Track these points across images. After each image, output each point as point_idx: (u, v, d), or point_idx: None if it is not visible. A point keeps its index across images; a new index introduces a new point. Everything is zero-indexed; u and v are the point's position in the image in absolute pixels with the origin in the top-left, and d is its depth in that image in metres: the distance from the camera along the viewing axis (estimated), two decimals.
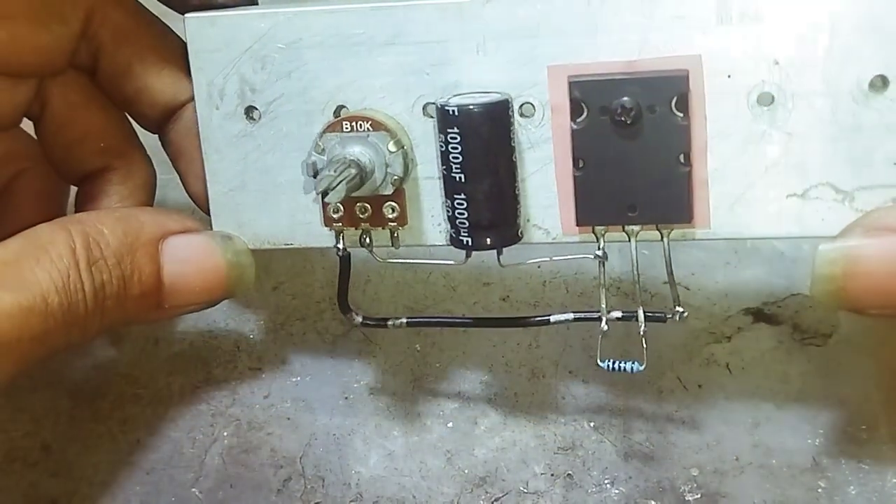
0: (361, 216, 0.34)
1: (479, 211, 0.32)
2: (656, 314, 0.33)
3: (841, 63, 0.30)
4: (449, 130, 0.31)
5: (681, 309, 0.33)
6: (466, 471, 0.41)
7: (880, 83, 0.30)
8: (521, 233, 0.33)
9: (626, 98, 0.30)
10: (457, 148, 0.31)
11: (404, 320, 0.37)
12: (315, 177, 0.32)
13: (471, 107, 0.31)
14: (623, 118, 0.30)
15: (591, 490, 0.40)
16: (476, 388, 0.42)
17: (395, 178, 0.32)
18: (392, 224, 0.34)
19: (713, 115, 0.31)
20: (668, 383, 0.41)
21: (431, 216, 0.34)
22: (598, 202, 0.32)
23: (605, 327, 0.34)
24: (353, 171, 0.31)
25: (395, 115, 0.33)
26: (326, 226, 0.34)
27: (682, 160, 0.31)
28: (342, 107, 0.34)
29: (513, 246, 0.33)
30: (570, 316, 0.35)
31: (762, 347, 0.41)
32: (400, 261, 0.35)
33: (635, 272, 0.33)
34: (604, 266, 0.33)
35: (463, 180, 0.31)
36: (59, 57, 0.35)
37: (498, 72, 0.32)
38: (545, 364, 0.42)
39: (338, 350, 0.44)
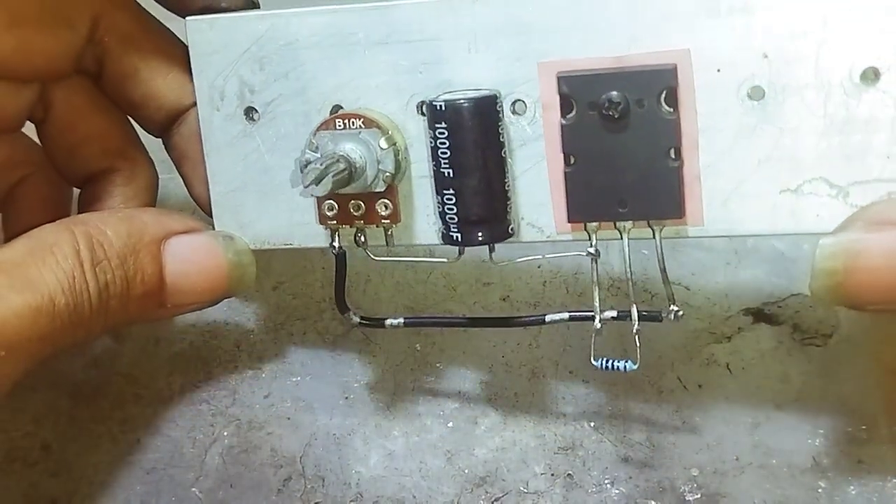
0: (355, 213, 0.34)
1: (468, 206, 0.32)
2: (651, 313, 0.33)
3: (832, 55, 0.30)
4: (437, 125, 0.31)
5: (676, 308, 0.33)
6: (466, 471, 0.41)
7: (872, 75, 0.29)
8: (513, 229, 0.33)
9: (613, 92, 0.30)
10: (444, 143, 0.31)
11: (402, 320, 0.37)
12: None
13: (458, 101, 0.31)
14: (611, 112, 0.30)
15: (591, 490, 0.40)
16: (476, 388, 0.42)
17: (387, 174, 0.32)
18: (385, 221, 0.34)
19: (703, 110, 0.31)
20: (669, 383, 0.41)
21: (426, 215, 0.34)
22: (588, 198, 0.32)
23: (599, 325, 0.34)
24: (342, 165, 0.31)
25: (390, 114, 0.33)
26: (321, 223, 0.34)
27: (671, 155, 0.31)
28: (339, 106, 0.34)
29: (506, 243, 0.33)
30: (566, 315, 0.35)
31: (762, 347, 0.41)
32: (393, 259, 0.35)
33: (628, 269, 0.33)
34: (596, 263, 0.33)
35: (451, 175, 0.31)
36: (66, 62, 0.36)
37: (490, 69, 0.32)
38: (545, 364, 0.42)
39: (338, 350, 0.44)
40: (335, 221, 0.34)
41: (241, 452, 0.42)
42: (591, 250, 0.33)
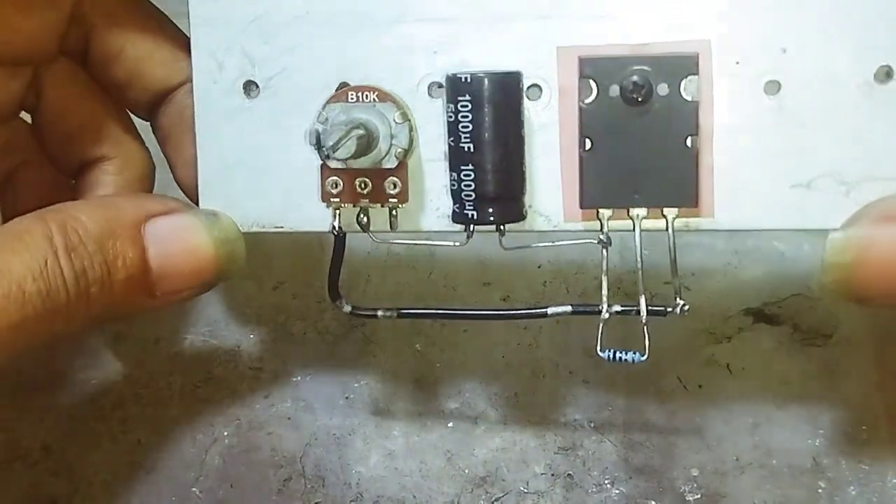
0: (361, 191, 0.33)
1: (487, 182, 0.31)
2: (657, 307, 0.33)
3: (847, 53, 0.30)
4: (460, 98, 0.31)
5: (682, 301, 0.32)
6: (467, 471, 0.41)
7: (884, 74, 0.30)
8: (526, 212, 0.33)
9: (636, 76, 0.30)
10: (467, 116, 0.31)
11: (395, 312, 0.35)
12: (317, 144, 0.31)
13: (484, 74, 0.30)
14: (635, 95, 0.30)
15: (591, 490, 0.40)
16: (476, 388, 0.42)
17: (400, 150, 0.32)
18: (392, 201, 0.33)
19: (720, 101, 0.31)
20: (669, 384, 0.41)
21: (430, 200, 0.33)
22: (603, 183, 0.31)
23: (607, 315, 0.33)
24: (362, 131, 0.31)
25: (399, 95, 0.32)
26: (323, 201, 0.33)
27: (689, 143, 0.31)
28: (345, 83, 0.33)
29: (511, 233, 0.32)
30: (568, 308, 0.34)
31: (762, 348, 0.41)
32: (398, 242, 0.34)
33: (639, 258, 0.32)
34: (607, 251, 0.32)
35: (471, 150, 0.31)
36: (50, 42, 0.35)
37: (506, 53, 0.32)
38: (545, 364, 0.42)
39: (338, 350, 0.44)
40: (339, 199, 0.33)
41: (241, 452, 0.42)
42: (603, 237, 0.32)
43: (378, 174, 0.32)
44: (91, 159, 0.37)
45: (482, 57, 0.32)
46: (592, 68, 0.31)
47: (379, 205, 0.33)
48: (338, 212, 0.33)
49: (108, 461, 0.43)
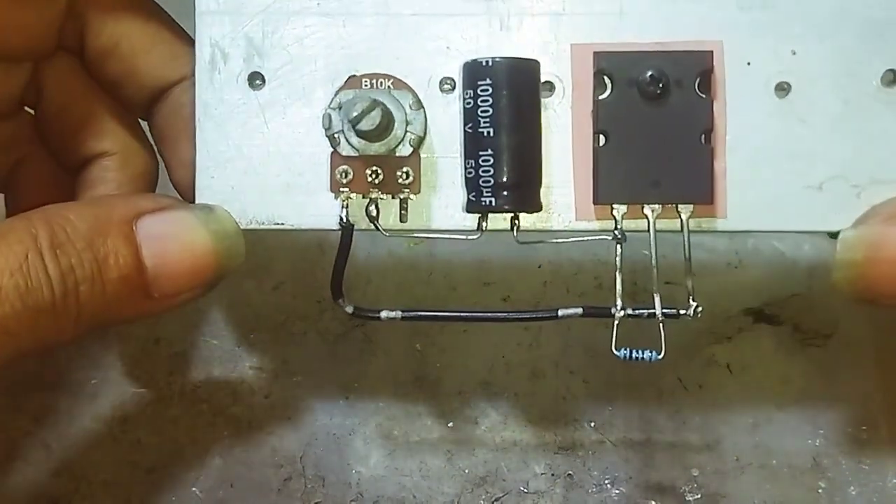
0: (372, 181, 0.32)
1: (505, 168, 0.31)
2: (670, 309, 0.33)
3: (856, 56, 0.30)
4: (480, 83, 0.30)
5: (695, 303, 0.32)
6: (467, 471, 0.41)
7: (892, 77, 0.30)
8: (542, 205, 0.32)
9: (653, 70, 0.30)
10: (487, 101, 0.30)
11: (399, 313, 0.34)
12: (330, 128, 0.31)
13: (505, 59, 0.30)
14: (653, 88, 0.30)
15: (591, 490, 0.40)
16: (476, 388, 0.42)
17: (414, 137, 0.31)
18: (405, 191, 0.32)
19: (732, 101, 0.31)
20: (669, 383, 0.41)
21: (439, 196, 0.33)
22: (619, 178, 0.31)
23: (621, 313, 0.32)
24: (381, 109, 0.30)
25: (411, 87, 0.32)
26: (332, 191, 0.32)
27: (703, 140, 0.31)
28: (354, 76, 0.33)
29: (523, 232, 0.32)
30: (580, 310, 0.33)
31: (763, 348, 0.41)
32: (407, 234, 0.33)
33: (653, 255, 0.32)
34: (621, 248, 0.32)
35: (491, 134, 0.30)
36: (47, 37, 0.34)
37: (520, 49, 0.32)
38: (545, 364, 0.42)
39: (338, 350, 0.43)
40: (348, 189, 0.32)
41: (241, 452, 0.42)
42: (618, 233, 0.32)
43: (390, 163, 0.32)
44: (92, 155, 0.37)
45: (494, 53, 0.31)
46: (608, 63, 0.31)
47: (390, 196, 0.32)
48: (346, 203, 0.32)
49: (108, 461, 0.43)
